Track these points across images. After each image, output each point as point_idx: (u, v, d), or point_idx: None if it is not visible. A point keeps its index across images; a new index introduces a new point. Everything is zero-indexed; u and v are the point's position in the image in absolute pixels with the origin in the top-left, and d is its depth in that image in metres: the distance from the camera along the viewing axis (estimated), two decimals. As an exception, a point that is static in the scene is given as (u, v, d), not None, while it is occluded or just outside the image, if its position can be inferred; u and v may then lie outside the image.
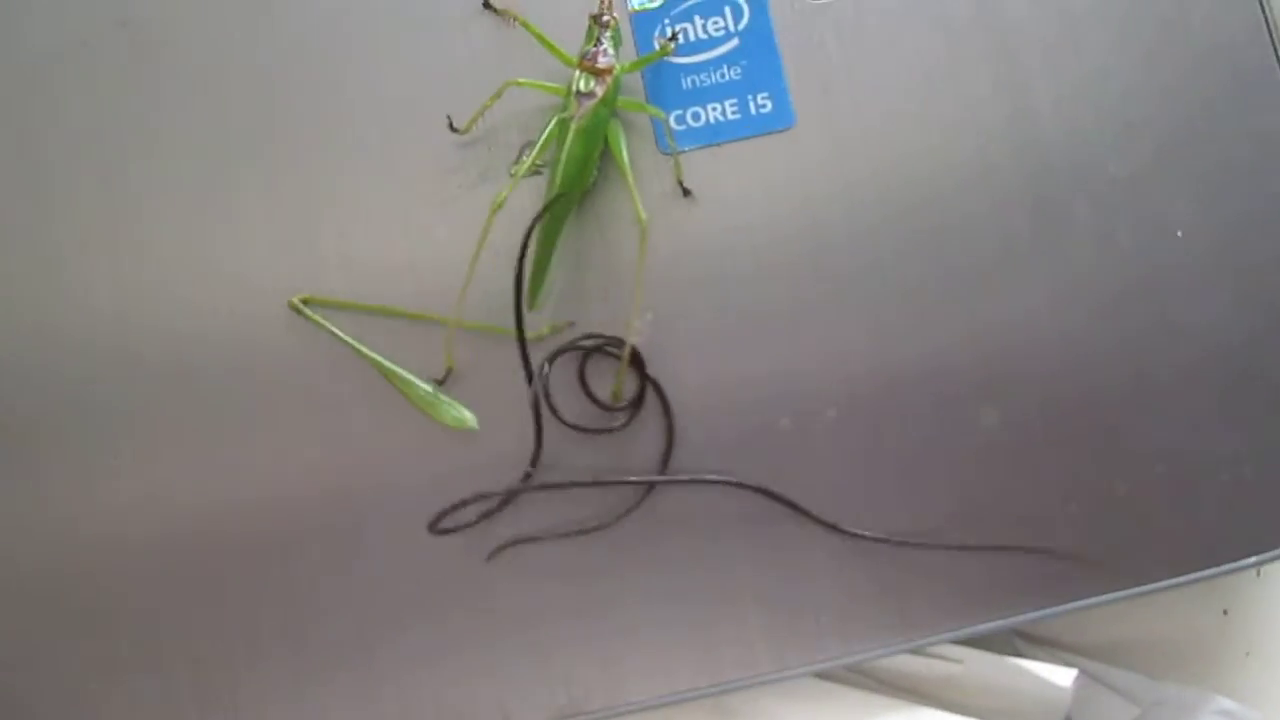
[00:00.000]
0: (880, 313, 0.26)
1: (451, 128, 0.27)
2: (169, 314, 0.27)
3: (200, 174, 0.27)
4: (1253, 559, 0.26)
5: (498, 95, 0.26)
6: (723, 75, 0.27)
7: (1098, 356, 0.26)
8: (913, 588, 0.26)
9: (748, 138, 0.27)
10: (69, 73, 0.27)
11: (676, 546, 0.26)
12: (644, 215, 0.25)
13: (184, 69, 0.27)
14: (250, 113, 0.27)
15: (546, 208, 0.25)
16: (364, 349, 0.26)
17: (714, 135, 0.27)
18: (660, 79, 0.27)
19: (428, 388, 0.26)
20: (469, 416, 0.26)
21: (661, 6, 0.27)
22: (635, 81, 0.27)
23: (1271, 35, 0.27)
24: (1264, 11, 0.27)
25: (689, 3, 0.27)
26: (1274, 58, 0.27)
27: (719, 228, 0.27)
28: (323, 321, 0.26)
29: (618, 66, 0.26)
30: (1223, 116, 0.27)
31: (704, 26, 0.27)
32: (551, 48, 0.26)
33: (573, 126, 0.25)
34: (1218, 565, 0.26)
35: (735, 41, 0.27)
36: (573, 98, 0.26)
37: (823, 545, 0.26)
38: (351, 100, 0.27)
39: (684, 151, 0.27)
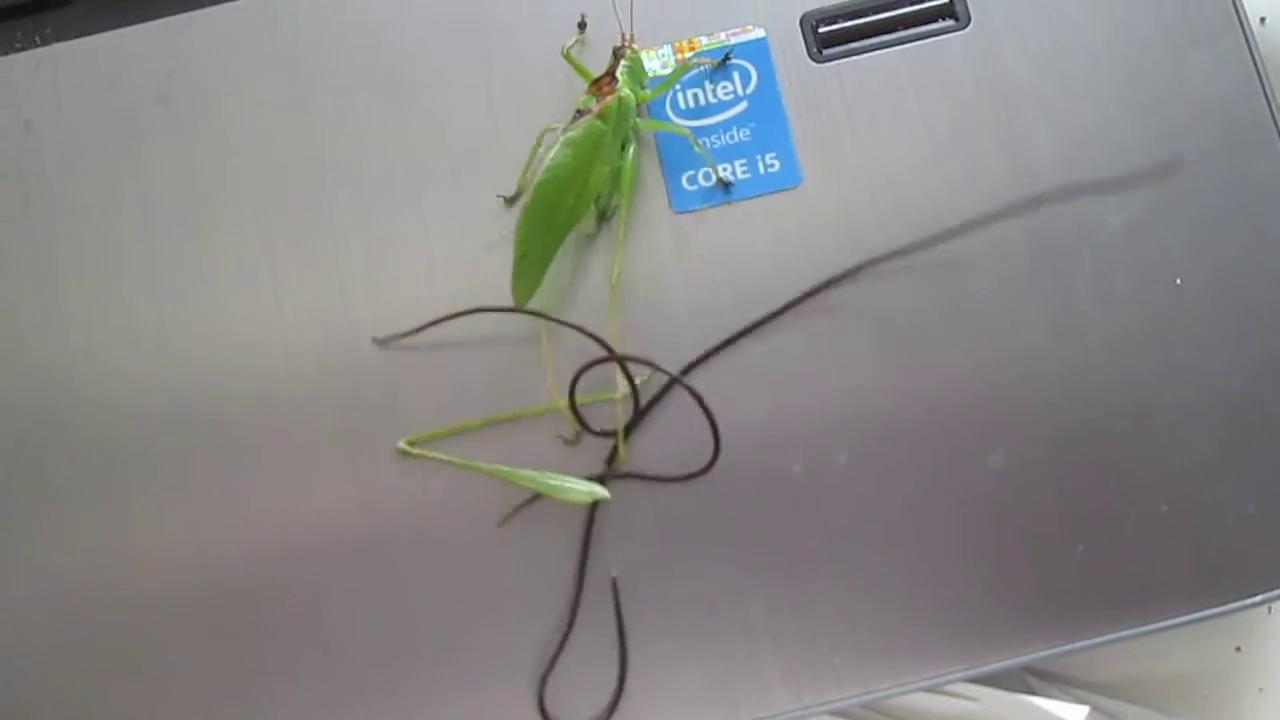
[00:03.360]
0: (888, 360, 0.27)
1: (507, 201, 0.28)
2: (212, 377, 0.28)
3: (231, 238, 0.28)
4: (1259, 597, 0.27)
5: (539, 144, 0.28)
6: (733, 137, 0.28)
7: (1101, 400, 0.27)
8: (927, 626, 0.27)
9: (757, 196, 0.28)
10: (114, 144, 0.29)
11: (693, 588, 0.27)
12: (616, 275, 0.27)
13: (219, 141, 0.29)
14: (282, 181, 0.29)
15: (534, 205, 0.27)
16: (482, 465, 0.27)
17: (725, 194, 0.28)
18: (674, 140, 0.28)
19: (551, 476, 0.27)
20: (599, 489, 0.27)
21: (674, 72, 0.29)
22: (649, 140, 0.29)
23: (1265, 88, 0.28)
24: (1257, 66, 0.28)
25: (700, 68, 0.29)
26: (1267, 110, 0.28)
27: (730, 281, 0.28)
28: (437, 455, 0.27)
29: (622, 90, 0.27)
30: (1218, 167, 0.28)
31: (714, 91, 0.29)
32: (582, 71, 0.28)
33: (561, 136, 0.27)
34: (1225, 604, 0.27)
35: (744, 104, 0.29)
36: (574, 115, 0.27)
37: (833, 579, 0.27)
38: (384, 167, 0.29)
39: (697, 209, 0.28)
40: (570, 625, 0.27)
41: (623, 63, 0.28)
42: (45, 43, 0.29)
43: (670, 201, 0.28)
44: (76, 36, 0.29)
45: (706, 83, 0.29)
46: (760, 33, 0.29)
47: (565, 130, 0.27)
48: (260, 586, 0.27)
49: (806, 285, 0.28)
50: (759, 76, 0.29)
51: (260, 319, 0.28)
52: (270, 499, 0.27)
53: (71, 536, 0.27)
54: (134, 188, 0.29)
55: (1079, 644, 0.27)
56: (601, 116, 0.27)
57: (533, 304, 0.27)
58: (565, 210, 0.27)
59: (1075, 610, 0.27)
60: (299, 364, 0.28)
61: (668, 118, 0.29)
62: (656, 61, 0.29)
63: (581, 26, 0.29)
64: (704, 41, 0.29)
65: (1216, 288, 0.27)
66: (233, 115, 0.29)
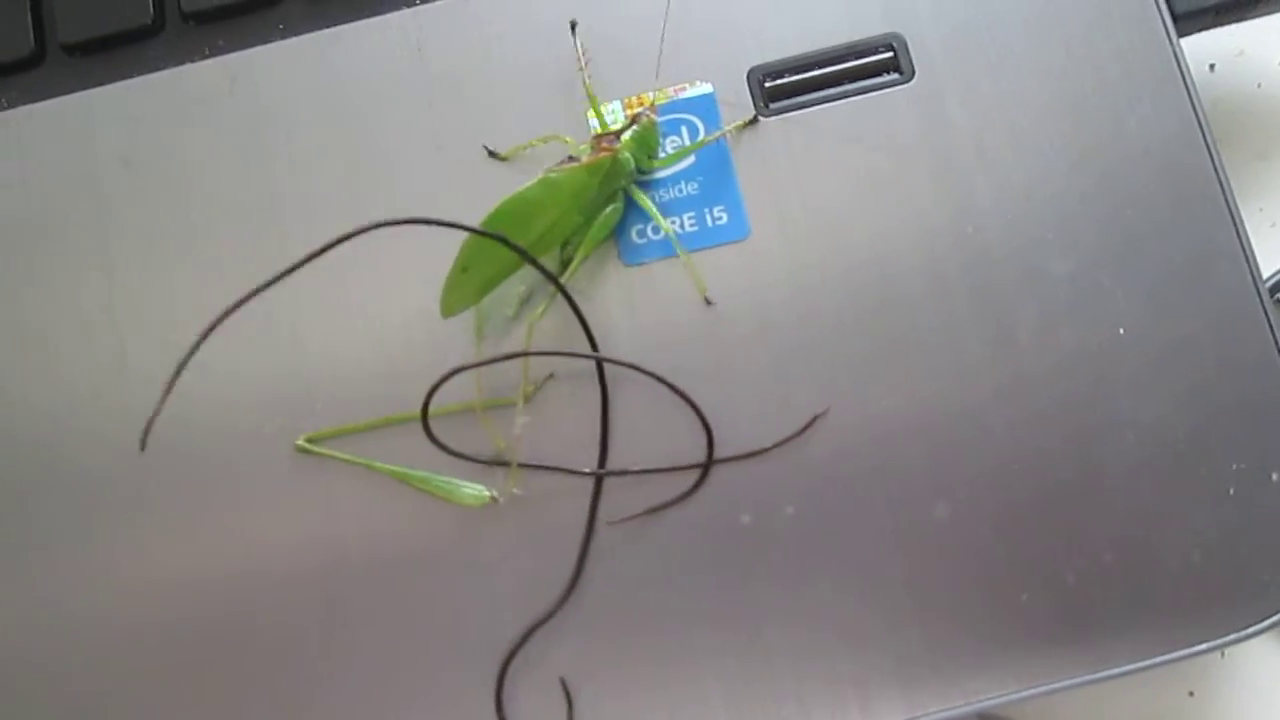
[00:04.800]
0: (833, 411, 0.28)
1: (491, 154, 0.29)
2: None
3: (192, 290, 0.29)
4: (1204, 645, 0.27)
5: (544, 140, 0.29)
6: (681, 190, 0.29)
7: (1044, 450, 0.27)
8: (875, 677, 0.27)
9: (706, 248, 0.29)
10: (79, 206, 0.30)
11: (641, 639, 0.27)
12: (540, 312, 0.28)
13: (181, 201, 0.29)
14: (242, 236, 0.29)
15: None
16: (376, 464, 0.28)
17: (672, 247, 0.28)
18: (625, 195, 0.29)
19: (442, 479, 0.28)
20: (485, 492, 0.27)
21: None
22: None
23: (1206, 139, 0.28)
24: (1198, 116, 0.28)
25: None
26: (1209, 160, 0.28)
27: (676, 335, 0.28)
28: (333, 454, 0.28)
29: (622, 152, 0.28)
30: (1160, 217, 0.28)
31: (663, 145, 0.29)
32: (598, 113, 0.29)
33: (543, 172, 0.27)
34: (1172, 652, 0.27)
35: (692, 159, 0.29)
36: (566, 157, 0.28)
37: (781, 629, 0.27)
38: (341, 220, 0.29)
39: (646, 262, 0.29)
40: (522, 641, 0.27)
41: (634, 128, 0.28)
42: (10, 106, 0.30)
43: (620, 254, 0.29)
44: (41, 99, 0.30)
45: (655, 137, 0.29)
46: (707, 87, 0.29)
47: (550, 169, 0.28)
48: (229, 617, 0.28)
49: (751, 335, 0.28)
50: (706, 131, 0.29)
51: (220, 361, 0.28)
52: (231, 530, 0.28)
53: (41, 567, 0.28)
54: (97, 248, 0.29)
55: (1027, 692, 0.27)
56: (590, 169, 0.27)
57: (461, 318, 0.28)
58: (523, 243, 0.27)
59: (1022, 658, 0.27)
60: (257, 399, 0.28)
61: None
62: (607, 117, 0.29)
63: (573, 28, 0.29)
64: (652, 97, 0.29)
65: (1160, 338, 0.27)
66: (194, 175, 0.30)
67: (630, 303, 0.28)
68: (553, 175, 0.27)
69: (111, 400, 0.29)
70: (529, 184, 0.27)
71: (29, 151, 0.30)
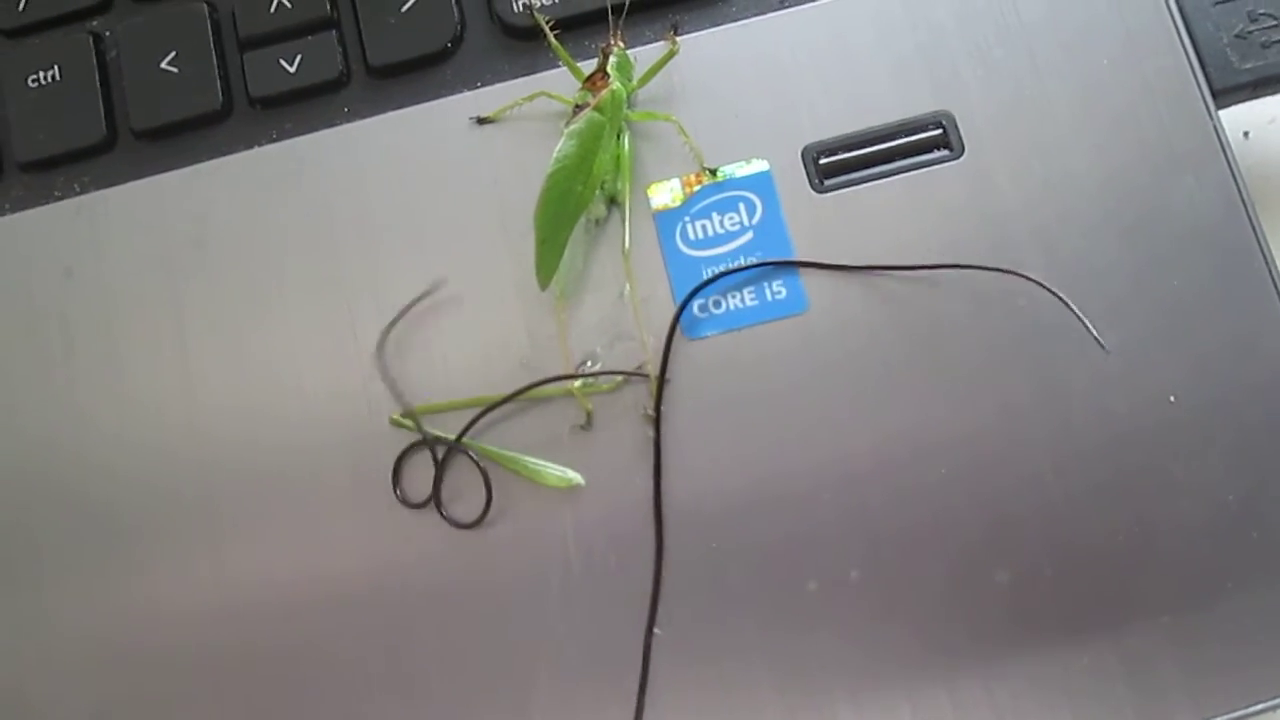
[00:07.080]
0: (893, 478, 0.28)
1: (479, 121, 0.31)
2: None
3: (264, 371, 0.30)
4: (1261, 704, 0.27)
5: (530, 98, 0.31)
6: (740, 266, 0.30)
7: (1100, 518, 0.28)
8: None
9: (764, 322, 0.29)
10: (152, 288, 0.30)
11: (711, 709, 0.28)
12: (628, 245, 0.30)
13: (250, 282, 0.30)
14: (309, 318, 0.30)
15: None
16: (466, 441, 0.29)
17: (733, 321, 0.29)
18: (683, 270, 0.30)
19: (530, 459, 0.29)
20: (574, 476, 0.29)
21: (682, 205, 0.30)
22: (660, 268, 0.30)
23: (1247, 210, 0.29)
24: (1239, 188, 0.29)
25: (707, 201, 0.30)
26: (1251, 231, 0.29)
27: (739, 403, 0.29)
28: (427, 431, 0.29)
29: (614, 84, 0.30)
30: (1205, 286, 0.29)
31: (721, 222, 0.30)
32: (571, 66, 0.30)
33: (565, 130, 0.30)
34: (1229, 711, 0.27)
35: (750, 235, 0.30)
36: (572, 110, 0.30)
37: (851, 708, 0.28)
38: (405, 289, 0.30)
39: (707, 336, 0.29)
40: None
41: (611, 59, 0.30)
42: (84, 190, 0.31)
43: (682, 329, 0.29)
44: (114, 183, 0.31)
45: (714, 214, 0.30)
46: (764, 165, 0.30)
47: (567, 123, 0.30)
48: (272, 646, 0.28)
49: (811, 405, 0.29)
50: (764, 207, 0.30)
51: (287, 413, 0.30)
52: (284, 559, 0.29)
53: (80, 595, 0.29)
54: (171, 327, 0.30)
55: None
56: (599, 109, 0.30)
57: (552, 284, 0.30)
58: (575, 197, 0.30)
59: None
60: (319, 439, 0.29)
61: (675, 245, 0.30)
62: (666, 195, 0.30)
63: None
64: (710, 177, 0.30)
65: (1210, 405, 0.28)
66: (264, 255, 0.30)
67: (692, 374, 0.29)
68: (576, 128, 0.30)
69: (182, 461, 0.30)
70: (560, 144, 0.29)
71: (103, 234, 0.30)
